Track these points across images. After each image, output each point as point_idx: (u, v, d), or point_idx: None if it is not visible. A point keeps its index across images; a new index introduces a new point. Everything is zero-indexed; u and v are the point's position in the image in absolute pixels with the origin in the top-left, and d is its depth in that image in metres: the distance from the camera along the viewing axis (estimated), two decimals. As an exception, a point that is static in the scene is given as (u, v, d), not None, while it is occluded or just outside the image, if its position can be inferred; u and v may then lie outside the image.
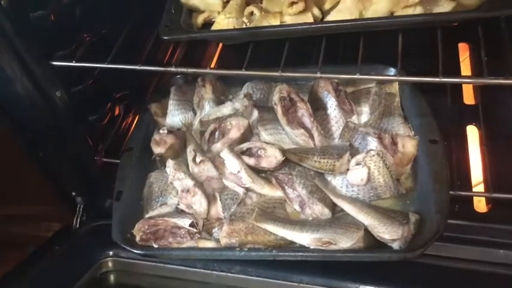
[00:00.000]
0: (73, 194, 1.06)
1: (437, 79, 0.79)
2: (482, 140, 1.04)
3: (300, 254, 0.84)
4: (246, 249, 0.85)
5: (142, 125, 1.10)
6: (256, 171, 0.93)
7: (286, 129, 0.96)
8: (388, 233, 0.82)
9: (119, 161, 1.03)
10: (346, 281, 0.89)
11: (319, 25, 0.87)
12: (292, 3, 0.85)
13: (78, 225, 1.06)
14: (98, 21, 1.05)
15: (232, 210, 0.90)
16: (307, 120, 0.95)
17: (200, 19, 0.94)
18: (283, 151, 0.92)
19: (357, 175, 0.88)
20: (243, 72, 0.85)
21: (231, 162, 0.91)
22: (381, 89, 1.03)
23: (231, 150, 0.92)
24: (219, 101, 1.07)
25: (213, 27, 0.93)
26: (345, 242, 0.81)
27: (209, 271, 0.94)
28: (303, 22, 0.86)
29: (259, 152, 0.92)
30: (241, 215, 0.88)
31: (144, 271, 0.97)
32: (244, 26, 0.91)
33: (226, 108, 1.02)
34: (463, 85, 1.21)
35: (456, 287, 0.88)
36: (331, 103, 0.98)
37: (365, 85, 1.05)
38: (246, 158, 0.92)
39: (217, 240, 0.88)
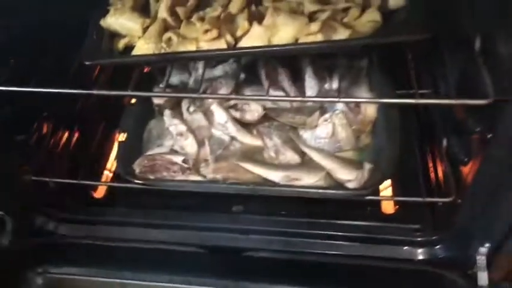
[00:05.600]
0: (1, 213, 0.98)
1: (413, 101, 0.81)
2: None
3: (275, 188, 0.93)
4: (228, 182, 0.94)
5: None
6: (241, 123, 1.02)
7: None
8: (346, 174, 0.92)
9: (49, 180, 1.05)
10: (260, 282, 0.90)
11: (231, 51, 0.86)
12: (207, 31, 0.85)
13: (7, 243, 0.98)
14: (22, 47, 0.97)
15: (218, 153, 0.99)
16: (286, 84, 1.04)
17: (121, 44, 0.93)
18: (264, 107, 1.01)
19: (324, 130, 0.98)
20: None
21: (220, 115, 1.01)
22: (351, 61, 1.09)
23: (220, 105, 1.02)
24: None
25: (134, 52, 0.91)
26: (309, 178, 0.91)
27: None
28: (216, 48, 0.85)
29: (243, 107, 1.01)
30: (226, 156, 0.98)
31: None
32: (163, 51, 0.89)
33: (217, 71, 1.10)
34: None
35: (367, 284, 0.92)
36: (308, 71, 1.05)
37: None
38: (232, 111, 1.02)
39: (204, 177, 0.96)
